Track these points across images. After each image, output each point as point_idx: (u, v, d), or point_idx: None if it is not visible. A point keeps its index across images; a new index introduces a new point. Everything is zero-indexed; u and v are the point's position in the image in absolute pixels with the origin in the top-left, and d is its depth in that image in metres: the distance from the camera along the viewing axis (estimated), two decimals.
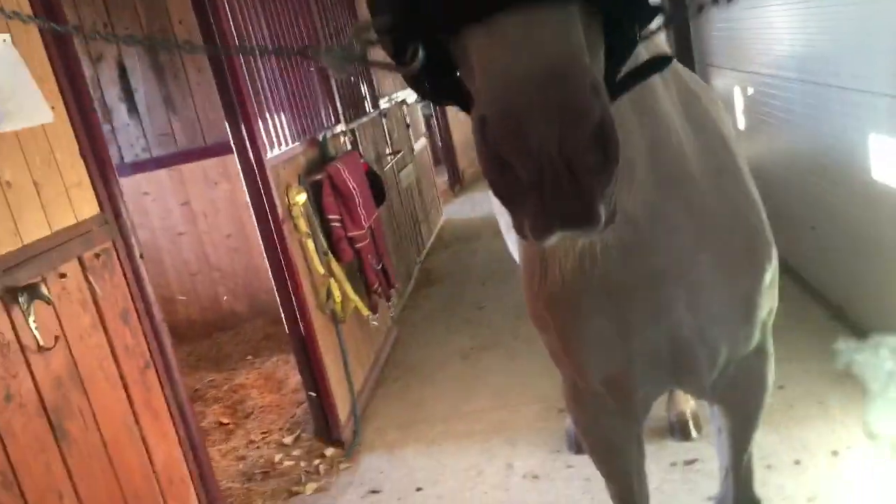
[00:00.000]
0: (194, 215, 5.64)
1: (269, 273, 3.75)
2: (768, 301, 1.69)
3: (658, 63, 1.11)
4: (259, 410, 4.42)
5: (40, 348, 1.91)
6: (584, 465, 3.23)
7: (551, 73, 0.82)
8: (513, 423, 3.76)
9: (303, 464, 3.76)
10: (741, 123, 5.31)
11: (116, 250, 2.36)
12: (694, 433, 3.22)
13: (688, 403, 3.28)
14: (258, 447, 4.00)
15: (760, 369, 1.80)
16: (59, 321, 2.02)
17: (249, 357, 5.29)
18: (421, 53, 0.95)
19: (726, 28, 5.33)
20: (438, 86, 1.02)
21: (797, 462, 2.94)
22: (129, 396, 2.29)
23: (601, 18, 0.93)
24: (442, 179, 9.90)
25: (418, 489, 3.38)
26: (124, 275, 2.39)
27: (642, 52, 1.15)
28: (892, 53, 2.96)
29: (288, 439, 3.99)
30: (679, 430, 3.23)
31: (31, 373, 1.89)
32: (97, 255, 2.25)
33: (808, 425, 3.14)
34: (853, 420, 3.05)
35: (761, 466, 2.89)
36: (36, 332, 1.89)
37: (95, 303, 2.20)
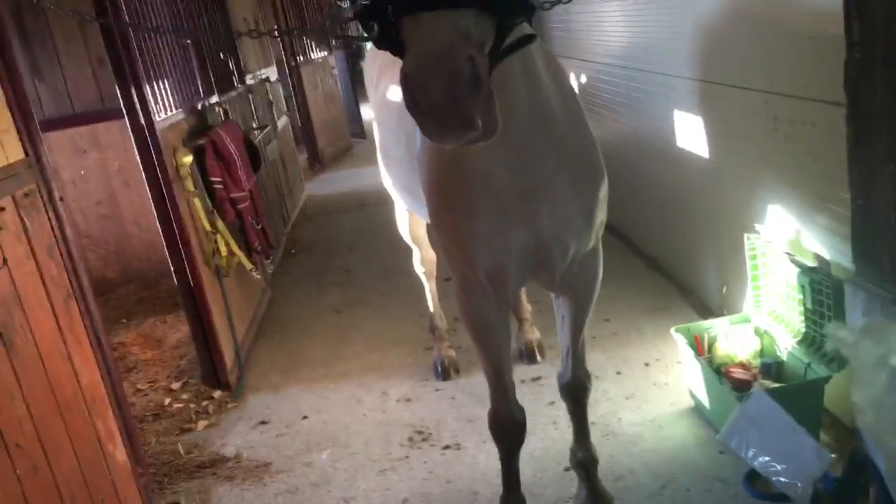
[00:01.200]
0: (62, 183, 5.68)
1: (160, 231, 3.96)
2: (601, 213, 2.33)
3: (526, 38, 1.67)
4: (142, 364, 4.65)
5: None
6: (449, 387, 3.81)
7: (442, 50, 1.40)
8: (385, 361, 4.25)
9: (192, 405, 4.06)
10: None
11: (40, 192, 2.62)
12: (539, 358, 3.86)
13: (534, 334, 3.92)
14: (146, 394, 4.25)
15: (595, 264, 2.44)
16: (1, 248, 2.28)
17: (124, 321, 5.43)
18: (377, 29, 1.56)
19: (563, 21, 6.06)
20: (388, 47, 1.58)
21: (618, 372, 3.65)
22: (57, 321, 2.56)
23: (488, 15, 1.49)
24: (302, 158, 10.18)
25: (304, 417, 3.81)
26: (47, 214, 2.65)
27: (519, 30, 1.69)
28: (689, 43, 3.71)
29: (175, 385, 4.27)
30: (527, 355, 3.86)
31: None
32: (26, 195, 2.51)
33: (627, 346, 3.88)
34: (661, 340, 3.80)
35: (591, 378, 3.59)
36: None
37: (27, 236, 2.46)
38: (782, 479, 2.50)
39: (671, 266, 4.58)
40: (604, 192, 2.32)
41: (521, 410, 2.56)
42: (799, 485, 2.47)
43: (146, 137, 3.83)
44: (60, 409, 2.48)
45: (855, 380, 1.75)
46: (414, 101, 1.43)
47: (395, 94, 3.08)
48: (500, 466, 2.67)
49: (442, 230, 2.31)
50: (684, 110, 3.93)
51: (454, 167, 2.12)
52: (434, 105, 1.40)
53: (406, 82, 1.42)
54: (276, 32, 6.80)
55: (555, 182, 2.13)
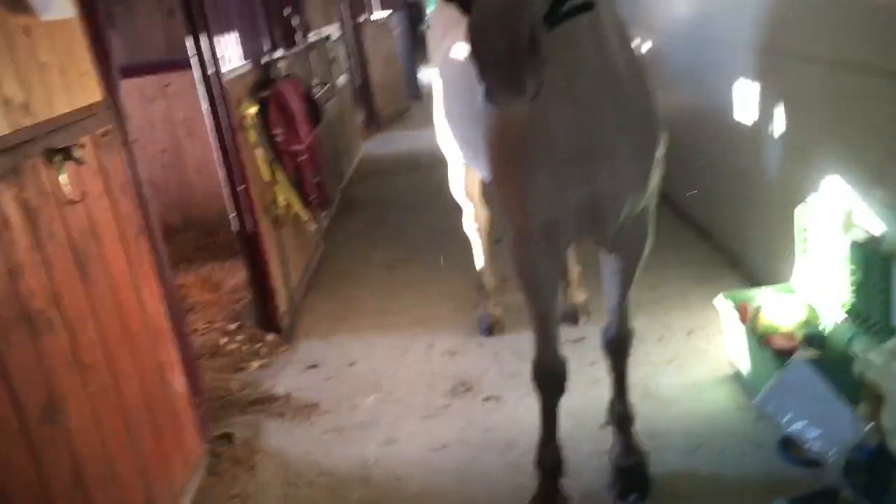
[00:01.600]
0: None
1: (222, 180, 4.12)
2: (656, 174, 2.37)
3: (584, 6, 1.72)
4: (200, 306, 4.86)
5: (70, 201, 2.34)
6: (493, 344, 3.91)
7: (503, 8, 1.47)
8: (433, 316, 4.37)
9: (245, 347, 4.25)
10: None
11: (115, 133, 2.78)
12: (582, 319, 3.93)
13: (580, 296, 3.98)
14: (203, 334, 4.46)
15: (646, 224, 2.49)
16: (82, 183, 2.44)
17: (184, 264, 5.65)
18: None
19: None
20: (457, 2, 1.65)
21: (661, 337, 3.70)
22: (128, 255, 2.73)
23: None
24: (359, 117, 10.30)
25: (352, 364, 3.96)
26: (121, 154, 2.80)
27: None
28: (754, 11, 3.66)
29: (231, 327, 4.47)
30: (570, 316, 3.93)
31: (65, 219, 2.33)
32: (103, 135, 2.67)
33: (672, 313, 3.91)
34: (706, 309, 3.81)
35: (634, 341, 3.64)
36: (68, 187, 2.32)
37: (104, 173, 2.62)
38: (817, 446, 2.54)
39: (723, 236, 4.57)
40: (660, 154, 2.36)
41: (564, 363, 2.64)
42: (832, 452, 2.50)
43: (213, 87, 3.96)
44: (128, 336, 2.66)
45: (886, 404, 1.74)
46: (478, 53, 1.51)
47: (461, 50, 3.14)
48: (538, 419, 2.76)
49: (501, 183, 2.38)
50: (746, 80, 3.89)
51: (517, 122, 2.19)
52: (496, 56, 1.48)
53: (472, 33, 1.51)
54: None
55: (615, 141, 2.17)
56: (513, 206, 2.37)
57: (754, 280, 3.98)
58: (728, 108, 4.12)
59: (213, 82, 3.94)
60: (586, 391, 3.33)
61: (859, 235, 2.81)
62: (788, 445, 2.71)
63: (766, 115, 3.69)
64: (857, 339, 2.81)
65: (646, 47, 5.72)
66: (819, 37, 3.10)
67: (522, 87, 1.52)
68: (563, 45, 1.88)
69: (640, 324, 3.75)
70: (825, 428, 2.54)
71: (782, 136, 3.54)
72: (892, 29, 2.52)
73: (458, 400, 3.45)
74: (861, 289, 2.80)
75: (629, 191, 2.28)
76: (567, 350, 3.65)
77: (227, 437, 3.36)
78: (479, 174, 3.37)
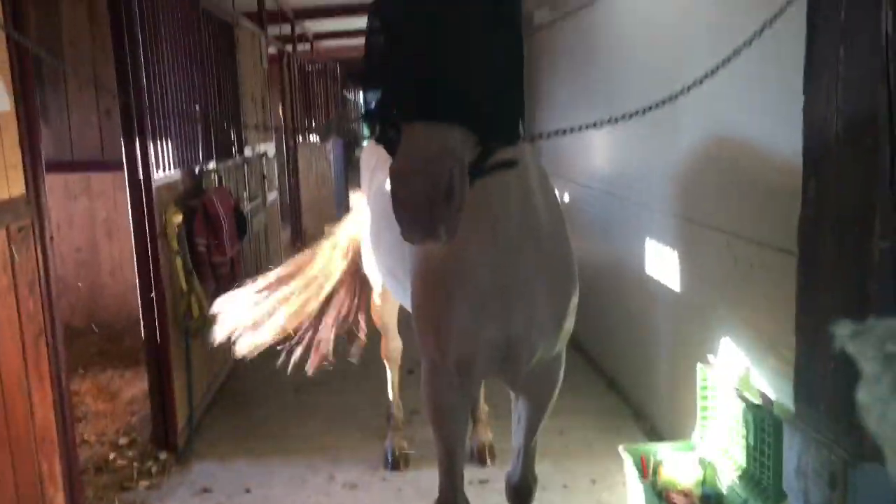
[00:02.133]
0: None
1: (137, 285, 4.04)
2: (570, 321, 2.47)
3: (508, 163, 1.84)
4: (93, 415, 4.60)
5: None
6: (397, 479, 3.82)
7: (429, 157, 1.55)
8: (337, 444, 4.26)
9: (136, 464, 4.02)
10: None
11: (34, 228, 2.72)
12: (489, 461, 3.90)
13: (486, 435, 3.97)
14: (92, 446, 4.20)
15: (556, 370, 2.56)
16: None
17: (81, 370, 5.40)
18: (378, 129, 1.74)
19: (553, 140, 6.38)
20: (386, 145, 1.74)
21: (565, 486, 3.69)
22: (23, 356, 2.61)
23: (476, 136, 1.66)
24: (285, 234, 10.32)
25: (247, 490, 3.78)
26: (36, 251, 2.74)
27: (510, 151, 1.85)
28: (664, 179, 3.95)
29: (122, 441, 4.23)
30: (478, 456, 3.90)
31: None
32: (20, 229, 2.61)
33: (576, 461, 3.93)
34: (610, 459, 3.85)
35: (539, 488, 3.62)
36: None
37: (13, 269, 2.54)
38: None
39: (628, 388, 4.69)
40: (575, 301, 2.47)
41: (467, 502, 2.60)
42: None
43: (141, 192, 3.95)
44: (12, 441, 2.49)
45: (861, 378, 1.66)
46: (397, 196, 1.59)
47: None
48: None
49: (419, 315, 2.44)
50: (655, 240, 4.14)
51: (440, 258, 2.27)
52: (413, 202, 1.56)
53: (393, 177, 1.59)
54: (282, 127, 7.06)
55: (532, 285, 2.27)
56: (430, 340, 2.41)
57: (657, 433, 4.06)
58: (639, 264, 4.35)
59: (141, 186, 3.94)
60: None
61: (754, 399, 2.94)
62: None
63: (671, 275, 3.91)
64: (751, 502, 2.88)
65: (566, 197, 6.04)
66: (720, 209, 3.36)
67: (436, 234, 1.60)
68: (491, 193, 2.00)
69: (544, 470, 3.78)
70: None
71: (686, 297, 3.74)
72: (783, 211, 2.75)
73: None
74: (754, 451, 2.90)
75: (543, 334, 2.36)
76: (471, 491, 3.62)
77: None
78: (402, 304, 3.42)
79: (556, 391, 2.59)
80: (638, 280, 4.40)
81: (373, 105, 1.74)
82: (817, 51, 2.43)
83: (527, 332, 2.32)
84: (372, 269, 3.77)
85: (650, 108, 2.66)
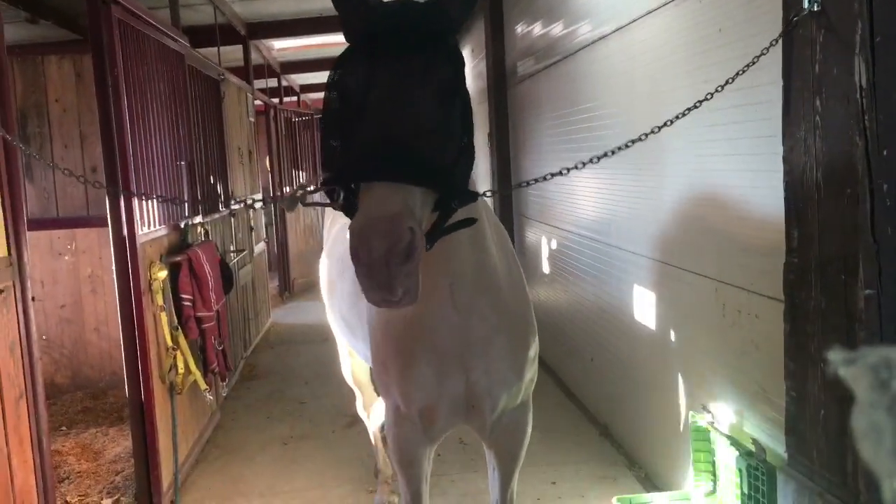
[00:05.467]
0: (32, 282, 5.70)
1: (121, 341, 4.00)
2: (531, 370, 2.50)
3: (466, 221, 1.90)
4: (76, 475, 4.50)
5: None
6: None
7: (387, 219, 1.59)
8: (326, 500, 4.18)
9: None
10: (545, 269, 6.34)
11: (14, 289, 2.69)
12: None
13: None
14: None
15: (524, 418, 2.58)
16: None
17: (64, 428, 5.30)
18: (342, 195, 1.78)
19: (539, 187, 6.44)
20: (347, 209, 1.78)
21: None
22: (4, 419, 2.56)
23: (434, 196, 1.72)
24: (273, 285, 10.29)
25: None
26: (17, 312, 2.71)
27: (471, 210, 1.91)
28: (650, 226, 3.97)
29: (106, 501, 4.13)
30: None
31: None
32: (0, 291, 2.58)
33: None
34: None
35: None
36: None
37: None
38: None
39: (621, 436, 4.65)
40: (534, 350, 2.50)
41: None
42: None
43: (126, 249, 3.93)
44: None
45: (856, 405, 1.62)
46: (357, 254, 1.61)
47: (347, 235, 3.29)
48: None
49: (382, 366, 2.47)
50: (643, 286, 4.14)
51: (400, 315, 2.28)
52: (371, 261, 1.58)
53: (353, 235, 1.61)
54: (259, 203, 7.08)
55: (492, 341, 2.31)
56: (391, 391, 2.46)
57: (651, 482, 4.01)
58: (628, 309, 4.35)
59: (126, 243, 3.92)
60: None
61: (747, 446, 2.92)
62: None
63: (661, 322, 3.90)
64: None
65: (553, 244, 6.06)
66: (706, 258, 3.37)
67: (395, 293, 1.62)
68: (447, 254, 2.04)
69: None
70: None
71: (677, 343, 3.73)
72: (770, 258, 2.77)
73: None
74: (748, 500, 2.86)
75: (504, 385, 2.40)
76: None
77: None
78: (354, 351, 3.45)
79: (526, 439, 2.62)
80: (627, 326, 4.39)
81: (330, 172, 1.78)
82: (794, 100, 2.47)
83: (487, 384, 2.36)
84: (331, 321, 3.78)
85: (620, 147, 2.65)
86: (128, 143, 3.95)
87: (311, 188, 2.03)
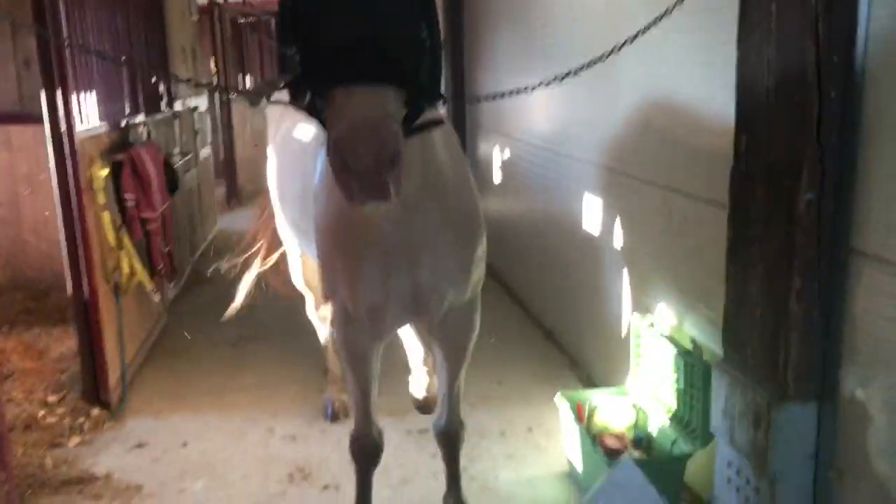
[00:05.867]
0: None
1: (62, 240, 3.91)
2: (479, 269, 2.54)
3: (434, 122, 1.91)
4: (20, 373, 4.46)
5: None
6: (337, 430, 3.83)
7: (371, 123, 1.56)
8: (275, 398, 4.24)
9: (66, 421, 3.92)
10: (497, 179, 6.35)
11: None
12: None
13: (434, 387, 4.01)
14: (19, 404, 4.07)
15: (471, 315, 2.64)
16: None
17: (5, 328, 5.21)
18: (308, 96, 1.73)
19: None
20: (313, 110, 1.75)
21: (502, 433, 3.77)
22: None
23: (405, 95, 1.68)
24: (220, 191, 10.09)
25: (184, 444, 3.74)
26: None
27: (429, 114, 1.90)
28: (603, 134, 4.00)
29: (52, 398, 4.12)
30: (426, 409, 3.93)
31: None
32: None
33: (513, 409, 4.02)
34: (546, 407, 3.95)
35: (476, 435, 3.70)
36: None
37: None
38: None
39: (566, 339, 4.80)
40: (482, 249, 2.54)
41: (380, 434, 2.72)
42: None
43: (64, 145, 3.79)
44: None
45: None
46: (344, 163, 1.57)
47: (298, 134, 3.23)
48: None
49: (329, 266, 2.48)
50: (592, 194, 4.20)
51: (346, 212, 2.29)
52: (363, 168, 1.56)
53: (338, 145, 1.57)
54: (212, 84, 6.88)
55: (437, 238, 2.34)
56: (339, 289, 2.47)
57: (593, 382, 4.18)
58: (578, 219, 4.41)
59: (64, 139, 3.77)
60: (425, 483, 3.32)
61: (685, 346, 3.05)
62: None
63: (608, 229, 3.98)
64: (679, 442, 3.00)
65: (505, 154, 6.06)
66: (656, 166, 3.42)
67: (388, 194, 1.62)
68: None
69: (482, 419, 3.88)
70: None
71: (622, 250, 3.82)
72: (717, 166, 2.82)
73: (294, 487, 3.33)
74: (684, 395, 3.01)
75: (451, 283, 2.44)
76: (409, 441, 3.71)
77: None
78: (307, 253, 3.47)
79: (474, 337, 2.68)
80: (576, 235, 4.46)
81: (297, 69, 1.73)
82: (750, 7, 2.47)
83: (434, 281, 2.39)
84: (281, 227, 3.77)
85: (582, 67, 2.68)
86: (63, 32, 3.75)
87: (280, 83, 1.95)
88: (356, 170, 1.56)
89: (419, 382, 3.99)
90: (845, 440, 2.23)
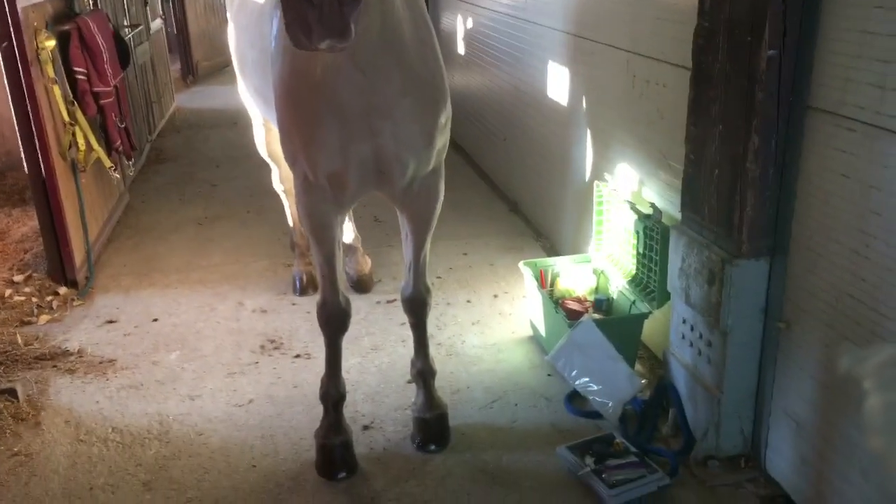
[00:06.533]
0: None
1: (13, 117, 3.78)
2: (442, 137, 2.49)
3: None
4: None
5: None
6: (306, 303, 3.89)
7: None
8: (244, 273, 4.28)
9: (34, 299, 3.93)
10: (462, 51, 6.19)
11: None
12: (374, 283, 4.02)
13: (366, 264, 4.04)
14: None
15: (436, 184, 2.60)
16: None
17: None
18: None
19: None
20: None
21: (468, 301, 3.87)
22: None
23: None
24: (175, 68, 9.73)
25: (154, 320, 3.79)
26: None
27: None
28: (565, 0, 3.89)
29: (18, 278, 4.11)
30: (360, 285, 3.99)
31: None
32: None
33: (479, 278, 4.10)
34: (511, 276, 4.05)
35: (443, 304, 3.80)
36: None
37: None
38: (597, 399, 2.80)
39: (530, 210, 4.85)
40: (445, 117, 2.48)
41: (347, 301, 2.71)
42: (610, 404, 2.77)
43: (5, 13, 3.59)
44: None
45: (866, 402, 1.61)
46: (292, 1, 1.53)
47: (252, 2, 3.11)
48: (347, 375, 2.82)
49: (287, 133, 2.42)
50: (556, 62, 4.13)
51: (304, 76, 2.22)
52: (325, 3, 1.52)
53: None
54: None
55: (398, 103, 2.28)
56: (299, 157, 2.42)
57: (556, 251, 4.26)
58: (542, 88, 4.36)
59: (5, 7, 3.58)
60: (395, 349, 3.42)
61: (644, 210, 3.10)
62: (573, 399, 2.96)
63: (573, 97, 3.94)
64: (637, 303, 3.11)
65: (469, 23, 5.89)
66: (618, 29, 3.35)
67: (346, 30, 1.57)
68: None
69: (449, 288, 3.97)
70: (606, 383, 2.81)
71: (586, 118, 3.80)
72: (678, 23, 2.78)
73: (266, 357, 3.41)
74: (643, 258, 3.10)
75: (411, 150, 2.40)
76: (378, 310, 3.79)
77: (10, 393, 3.10)
78: (269, 120, 3.40)
79: (438, 205, 2.65)
80: (540, 104, 4.42)
81: None
82: None
83: (395, 148, 2.35)
84: (244, 95, 3.66)
85: None
86: None
87: None
88: (318, 4, 1.53)
89: (357, 263, 4.03)
90: (794, 293, 2.32)
